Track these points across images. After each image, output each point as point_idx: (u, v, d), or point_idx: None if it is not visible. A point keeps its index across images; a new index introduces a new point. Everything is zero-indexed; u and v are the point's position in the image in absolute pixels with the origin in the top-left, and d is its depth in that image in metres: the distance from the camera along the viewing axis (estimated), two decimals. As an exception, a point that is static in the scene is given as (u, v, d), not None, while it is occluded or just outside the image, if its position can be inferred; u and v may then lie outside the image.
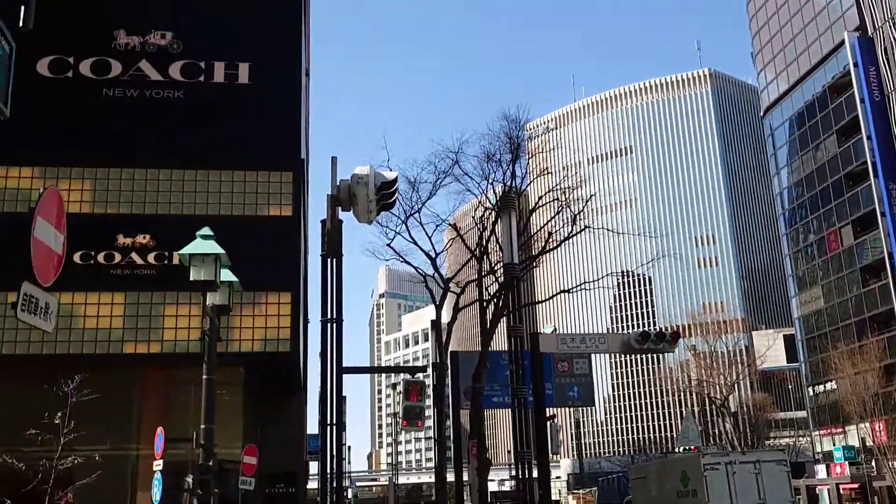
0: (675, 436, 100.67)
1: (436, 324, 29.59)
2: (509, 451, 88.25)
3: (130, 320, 18.56)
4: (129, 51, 20.49)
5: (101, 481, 14.69)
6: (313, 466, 44.56)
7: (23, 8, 5.96)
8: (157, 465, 13.45)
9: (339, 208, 15.09)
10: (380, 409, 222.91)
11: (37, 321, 4.62)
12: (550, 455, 23.11)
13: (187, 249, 12.61)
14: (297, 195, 19.93)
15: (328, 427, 14.81)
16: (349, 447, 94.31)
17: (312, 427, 38.49)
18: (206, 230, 13.47)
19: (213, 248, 12.83)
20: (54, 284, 5.17)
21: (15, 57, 6.28)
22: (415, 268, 29.57)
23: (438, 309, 28.96)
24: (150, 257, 18.95)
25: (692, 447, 38.10)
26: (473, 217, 28.73)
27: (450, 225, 30.08)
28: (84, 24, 20.46)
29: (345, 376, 15.51)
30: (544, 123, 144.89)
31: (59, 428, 13.33)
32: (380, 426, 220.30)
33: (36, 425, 13.38)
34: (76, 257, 18.17)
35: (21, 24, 5.95)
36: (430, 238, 28.80)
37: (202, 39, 21.12)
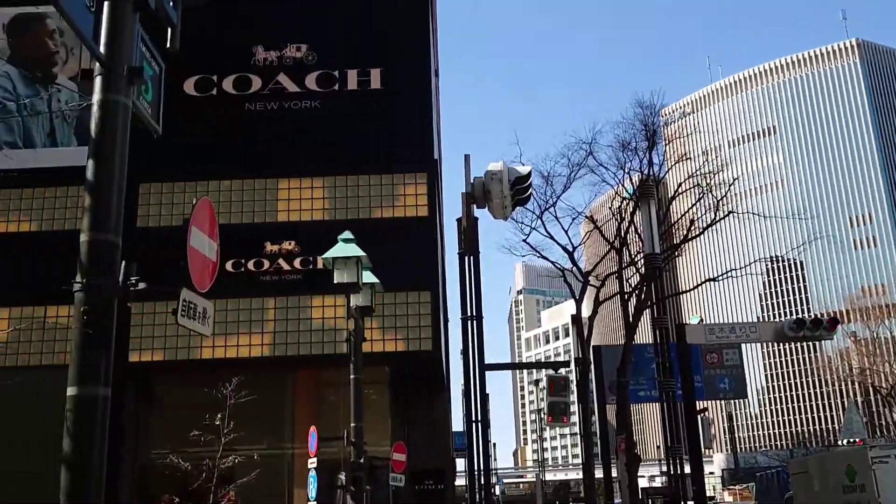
0: (836, 428, 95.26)
1: (576, 318, 29.21)
2: (658, 447, 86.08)
3: (280, 324, 19.29)
4: (267, 66, 21.30)
5: (260, 479, 15.32)
6: (459, 463, 45.04)
7: (169, 30, 6.24)
8: (312, 462, 13.88)
9: (475, 206, 15.15)
10: (523, 406, 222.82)
11: (196, 325, 4.83)
12: (703, 449, 22.31)
13: (330, 253, 12.96)
14: (433, 195, 20.14)
15: (474, 424, 14.89)
16: (494, 444, 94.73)
17: (456, 425, 38.91)
18: (347, 234, 13.82)
19: (355, 251, 13.14)
20: (210, 292, 5.40)
21: (164, 77, 6.61)
22: (552, 262, 29.36)
23: (578, 303, 28.57)
24: (297, 262, 19.63)
25: (857, 440, 35.90)
26: (610, 208, 28.16)
27: (586, 217, 29.60)
28: (225, 43, 21.44)
29: (487, 373, 15.56)
30: (680, 108, 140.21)
31: (219, 429, 13.99)
32: (524, 423, 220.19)
33: (199, 427, 14.09)
34: (228, 266, 19.05)
35: (168, 45, 6.23)
36: (566, 232, 28.37)
37: (335, 49, 21.69)
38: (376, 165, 20.42)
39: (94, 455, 4.48)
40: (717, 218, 27.27)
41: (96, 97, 5.24)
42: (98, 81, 5.29)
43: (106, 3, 5.41)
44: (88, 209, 4.88)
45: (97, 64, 5.37)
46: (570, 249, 27.88)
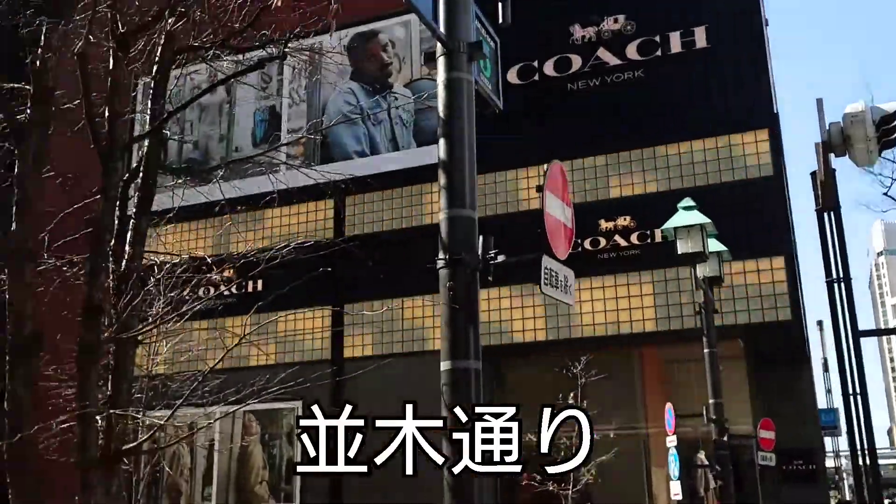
0: None
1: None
2: None
3: (623, 301, 18.97)
4: (585, 43, 21.06)
5: (618, 458, 15.11)
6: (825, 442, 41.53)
7: (500, 4, 6.19)
8: (671, 440, 13.42)
9: (832, 155, 13.59)
10: (894, 379, 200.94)
11: (559, 294, 4.69)
12: None
13: (671, 223, 12.43)
14: (776, 152, 18.53)
15: (851, 398, 13.38)
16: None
17: (818, 399, 35.75)
18: (687, 201, 13.17)
19: (698, 218, 12.50)
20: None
21: (499, 54, 6.60)
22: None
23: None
24: (633, 238, 19.18)
25: None
26: None
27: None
28: (543, 28, 21.55)
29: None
30: None
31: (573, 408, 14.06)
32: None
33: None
34: (566, 247, 19.10)
35: (500, 20, 6.19)
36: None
37: (654, 14, 20.82)
38: (710, 128, 19.24)
39: (472, 427, 4.50)
40: None
41: (440, 78, 5.32)
42: (441, 62, 5.36)
43: (441, -15, 5.49)
44: (444, 188, 4.94)
45: (438, 46, 5.46)
46: (946, 198, 24.37)
